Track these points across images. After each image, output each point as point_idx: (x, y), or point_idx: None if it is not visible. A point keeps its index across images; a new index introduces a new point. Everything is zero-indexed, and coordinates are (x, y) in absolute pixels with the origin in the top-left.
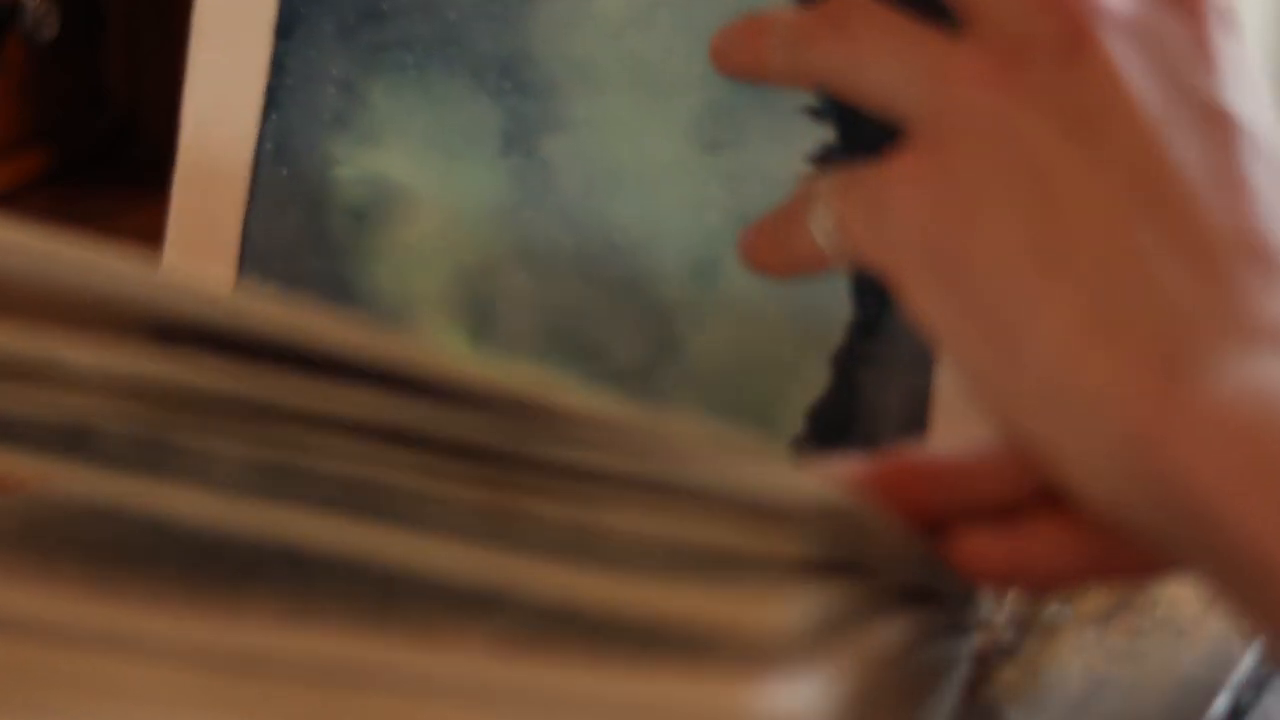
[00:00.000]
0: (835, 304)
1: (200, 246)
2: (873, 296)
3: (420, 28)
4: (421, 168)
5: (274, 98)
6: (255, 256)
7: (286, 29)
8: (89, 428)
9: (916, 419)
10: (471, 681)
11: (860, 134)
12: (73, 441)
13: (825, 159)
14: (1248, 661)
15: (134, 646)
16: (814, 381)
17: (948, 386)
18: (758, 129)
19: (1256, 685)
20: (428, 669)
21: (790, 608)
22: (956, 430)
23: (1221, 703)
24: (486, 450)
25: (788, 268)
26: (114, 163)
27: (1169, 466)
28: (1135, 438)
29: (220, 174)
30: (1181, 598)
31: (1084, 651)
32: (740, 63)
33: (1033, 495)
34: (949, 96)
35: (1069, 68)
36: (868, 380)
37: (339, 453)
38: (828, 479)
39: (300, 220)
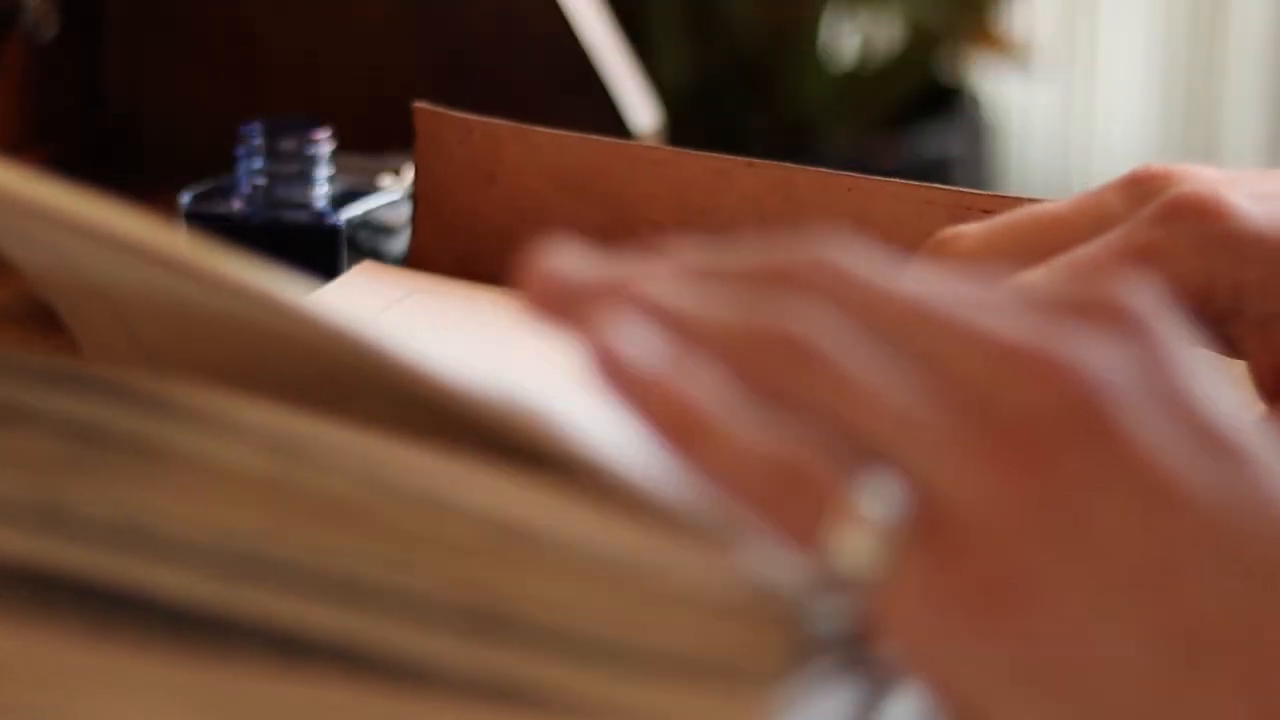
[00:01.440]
0: None
1: None
2: None
3: None
4: None
5: None
6: None
7: None
8: (61, 505)
9: None
10: None
11: None
12: (46, 519)
13: None
14: None
15: (126, 689)
16: None
17: None
18: None
19: None
20: (413, 717)
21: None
22: None
23: None
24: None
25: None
26: (114, 163)
27: None
28: None
29: None
30: None
31: None
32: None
33: None
34: (987, 487)
35: (1096, 447)
36: None
37: (310, 544)
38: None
39: None
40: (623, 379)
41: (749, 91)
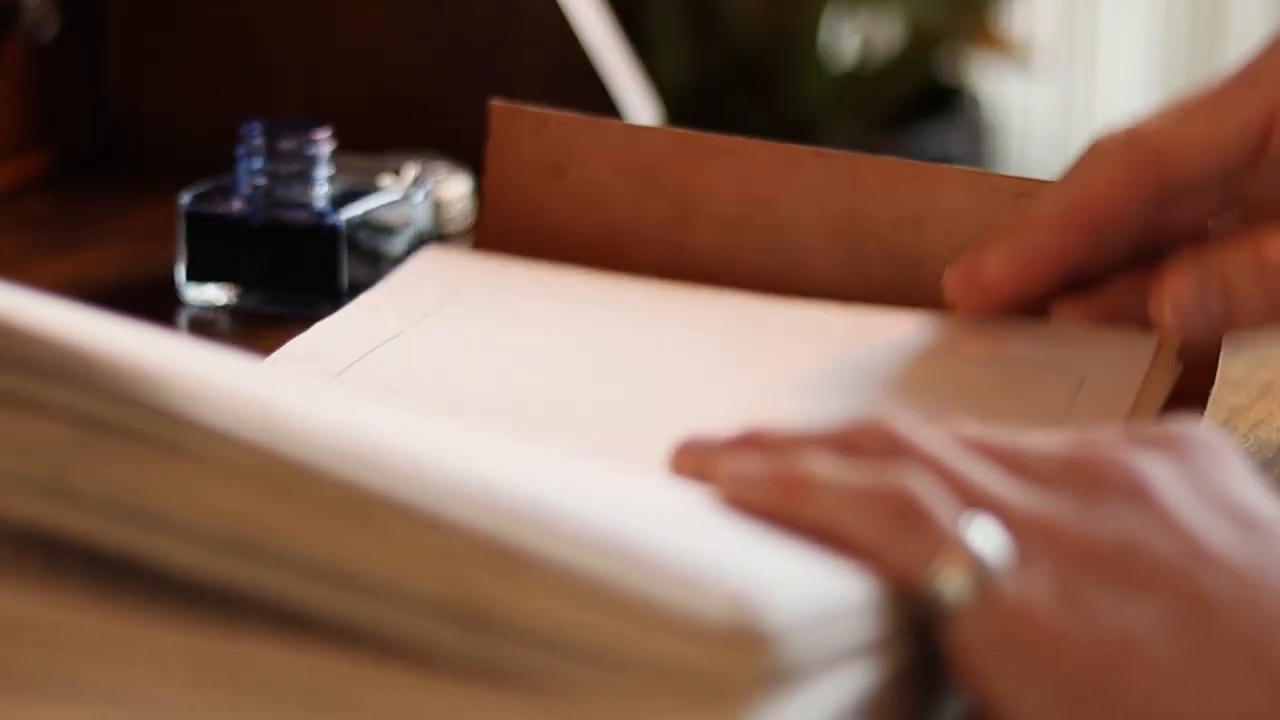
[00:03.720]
0: None
1: None
2: None
3: None
4: None
5: None
6: None
7: None
8: (67, 482)
9: None
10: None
11: None
12: (52, 493)
13: None
14: None
15: (134, 654)
16: None
17: None
18: None
19: None
20: (404, 689)
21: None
22: None
23: None
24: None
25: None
26: (114, 163)
27: None
28: None
29: None
30: None
31: None
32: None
33: None
34: (1056, 543)
35: (1140, 509)
36: None
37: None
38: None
39: None
40: (736, 483)
41: (749, 91)
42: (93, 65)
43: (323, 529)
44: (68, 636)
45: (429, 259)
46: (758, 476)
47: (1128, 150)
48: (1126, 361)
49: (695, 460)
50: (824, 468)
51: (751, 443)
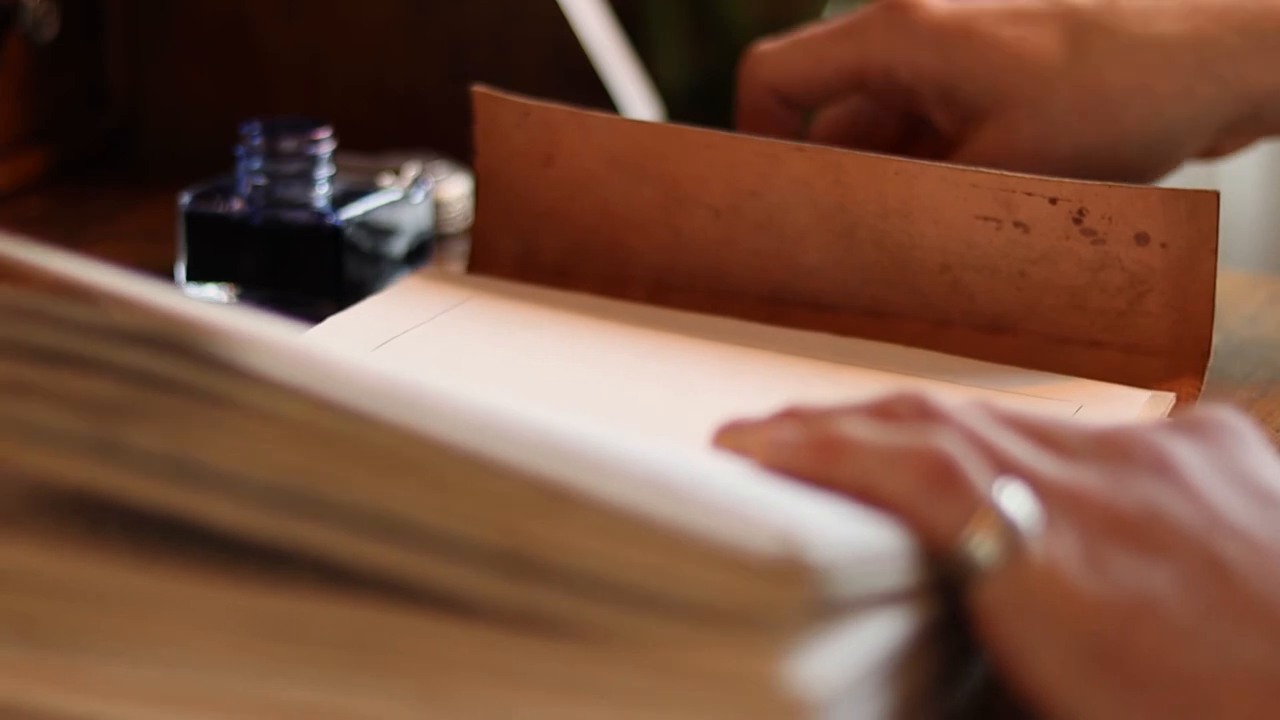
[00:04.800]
0: None
1: None
2: None
3: None
4: None
5: None
6: None
7: None
8: (119, 441)
9: None
10: (489, 657)
11: None
12: (104, 452)
13: None
14: None
15: (180, 612)
16: None
17: None
18: None
19: None
20: (448, 639)
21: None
22: None
23: None
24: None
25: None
26: (114, 163)
27: None
28: None
29: None
30: None
31: None
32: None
33: None
34: (1083, 510)
35: (1164, 479)
36: None
37: (361, 486)
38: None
39: None
40: (774, 450)
41: None
42: (93, 65)
43: (371, 476)
44: (113, 597)
45: (409, 285)
46: (795, 442)
47: (746, 74)
48: (1120, 397)
49: (735, 436)
50: (860, 430)
51: (789, 416)
